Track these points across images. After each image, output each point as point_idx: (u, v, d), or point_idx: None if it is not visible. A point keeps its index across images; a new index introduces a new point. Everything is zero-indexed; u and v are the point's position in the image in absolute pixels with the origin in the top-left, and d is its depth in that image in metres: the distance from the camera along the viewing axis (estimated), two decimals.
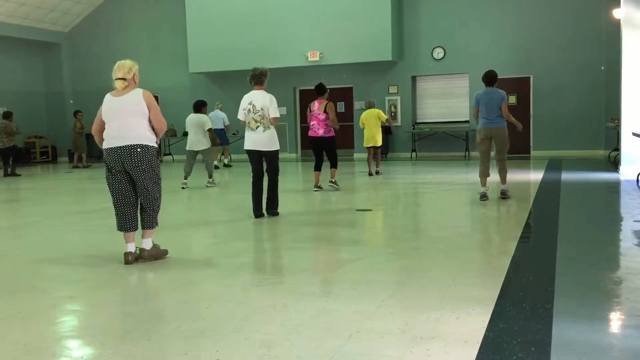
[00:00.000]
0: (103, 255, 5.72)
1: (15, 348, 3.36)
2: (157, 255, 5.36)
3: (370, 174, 12.51)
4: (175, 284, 4.83)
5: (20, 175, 15.61)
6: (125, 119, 5.06)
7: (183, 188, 11.18)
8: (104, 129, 5.20)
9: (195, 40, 18.61)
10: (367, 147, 12.62)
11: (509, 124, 8.48)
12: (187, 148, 11.54)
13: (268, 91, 7.54)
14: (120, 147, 5.05)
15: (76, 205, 10.28)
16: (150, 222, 5.28)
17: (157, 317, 3.84)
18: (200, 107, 11.55)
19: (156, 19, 20.14)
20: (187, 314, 3.89)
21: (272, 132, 7.49)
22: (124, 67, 5.13)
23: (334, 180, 10.22)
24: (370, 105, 12.80)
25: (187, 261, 5.41)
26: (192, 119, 11.50)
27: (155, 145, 5.23)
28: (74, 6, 20.27)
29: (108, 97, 5.20)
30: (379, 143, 12.51)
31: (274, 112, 7.38)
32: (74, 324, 3.83)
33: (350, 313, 3.73)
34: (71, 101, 21.31)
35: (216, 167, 15.18)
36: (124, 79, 5.11)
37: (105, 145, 5.15)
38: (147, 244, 5.31)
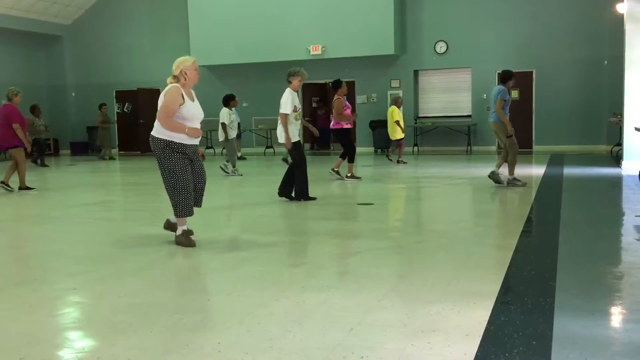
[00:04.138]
0: (105, 247, 5.76)
1: (18, 339, 3.37)
2: (178, 241, 5.61)
3: (398, 162, 13.97)
4: (177, 277, 4.86)
5: (48, 166, 15.97)
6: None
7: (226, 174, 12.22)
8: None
9: (197, 33, 18.57)
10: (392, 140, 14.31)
11: None
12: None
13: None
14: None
15: (82, 197, 10.29)
16: (173, 207, 5.64)
17: (159, 309, 3.85)
18: (228, 100, 12.18)
19: (158, 12, 20.09)
20: (189, 306, 3.90)
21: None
22: (174, 64, 5.57)
23: (336, 170, 10.46)
24: (392, 102, 14.39)
25: (188, 254, 5.42)
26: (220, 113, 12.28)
27: (163, 137, 5.42)
28: None
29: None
30: (395, 137, 13.77)
31: (281, 107, 7.99)
32: (76, 316, 3.85)
33: (351, 306, 3.74)
34: (73, 94, 21.30)
35: (243, 158, 16.29)
36: (174, 76, 5.57)
37: None
38: (173, 218, 5.78)
